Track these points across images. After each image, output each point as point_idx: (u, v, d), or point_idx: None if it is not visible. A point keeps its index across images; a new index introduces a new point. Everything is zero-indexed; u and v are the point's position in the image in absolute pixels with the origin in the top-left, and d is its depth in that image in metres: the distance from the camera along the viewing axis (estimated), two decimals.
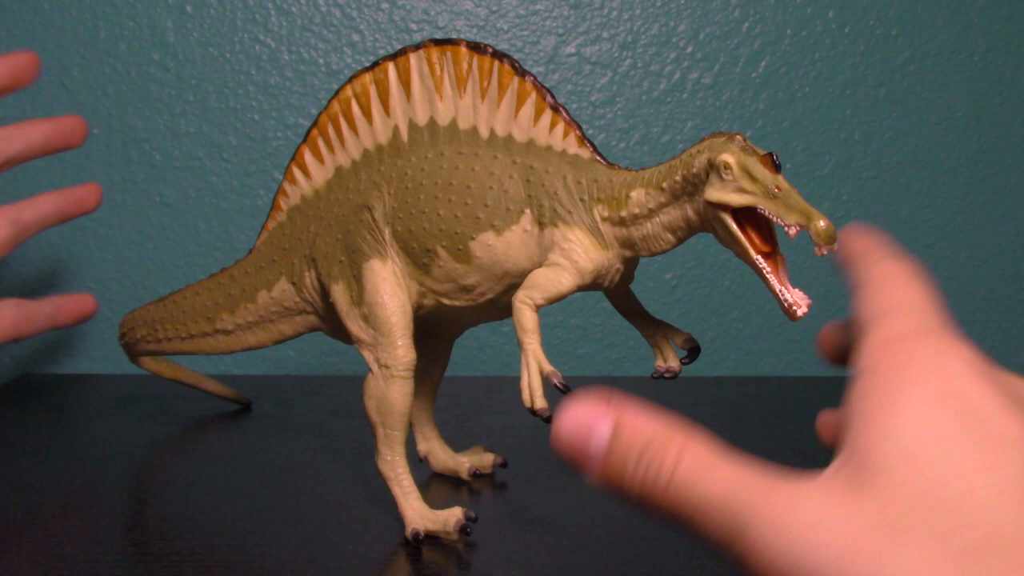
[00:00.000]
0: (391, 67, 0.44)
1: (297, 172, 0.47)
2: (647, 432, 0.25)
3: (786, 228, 0.34)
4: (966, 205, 0.87)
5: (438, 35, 0.80)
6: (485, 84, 0.42)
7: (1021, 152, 0.87)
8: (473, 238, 0.42)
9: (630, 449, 0.24)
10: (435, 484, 0.51)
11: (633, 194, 0.39)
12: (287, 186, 0.48)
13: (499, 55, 0.42)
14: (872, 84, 0.84)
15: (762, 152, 0.35)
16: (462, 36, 0.81)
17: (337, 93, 0.45)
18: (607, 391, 0.26)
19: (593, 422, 0.25)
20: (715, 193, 0.36)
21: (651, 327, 0.44)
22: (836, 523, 0.22)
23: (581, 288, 0.40)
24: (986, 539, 0.21)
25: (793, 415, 0.68)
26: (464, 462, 0.52)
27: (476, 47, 0.42)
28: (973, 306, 0.88)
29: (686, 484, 0.24)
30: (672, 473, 0.24)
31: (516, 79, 0.42)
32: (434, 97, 0.43)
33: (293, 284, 0.48)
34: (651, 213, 0.39)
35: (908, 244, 0.95)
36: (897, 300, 0.28)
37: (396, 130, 0.44)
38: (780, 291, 0.35)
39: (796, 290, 0.35)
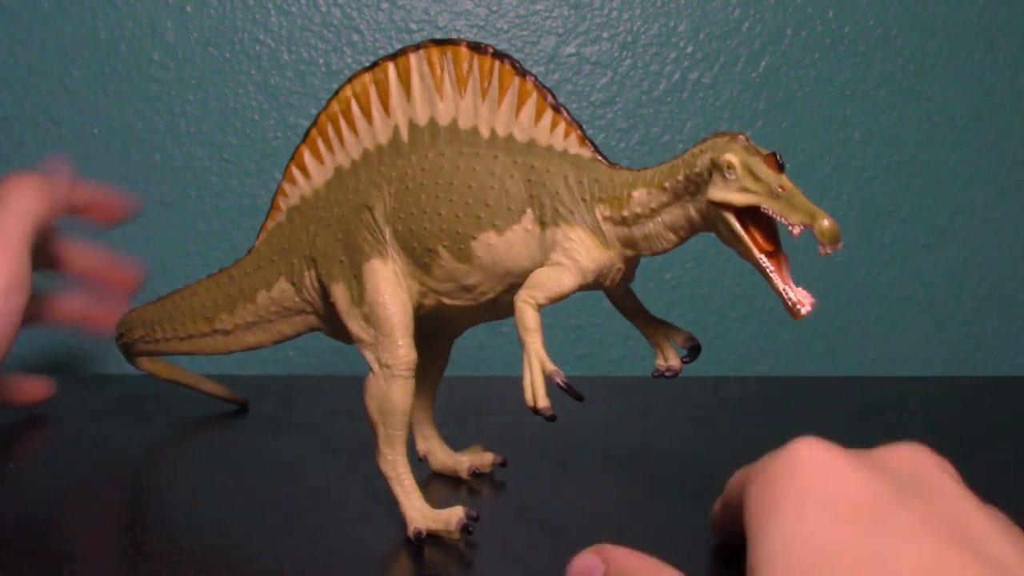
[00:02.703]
0: (391, 67, 0.44)
1: (296, 172, 0.47)
2: (630, 563, 0.33)
3: (790, 227, 0.34)
4: (966, 205, 0.87)
5: (438, 35, 0.80)
6: (486, 84, 0.42)
7: (1021, 152, 0.87)
8: (474, 238, 0.42)
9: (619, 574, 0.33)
10: (434, 483, 0.51)
11: (635, 194, 0.39)
12: (286, 186, 0.48)
13: (500, 55, 0.42)
14: (872, 84, 0.84)
15: (765, 152, 0.35)
16: (462, 36, 0.81)
17: (336, 93, 0.45)
18: (600, 545, 0.35)
19: (592, 562, 0.34)
20: (718, 193, 0.36)
21: (652, 326, 0.44)
22: None
23: (583, 287, 0.40)
24: None
25: (793, 415, 0.68)
26: (463, 461, 0.52)
27: (477, 47, 0.42)
28: (973, 306, 0.88)
29: None
30: None
31: (517, 79, 0.42)
32: (434, 97, 0.43)
33: (292, 284, 0.48)
34: (653, 213, 0.39)
35: (908, 244, 0.96)
36: None
37: (396, 130, 0.44)
38: (784, 290, 0.35)
39: (800, 288, 0.35)
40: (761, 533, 0.30)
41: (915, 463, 0.32)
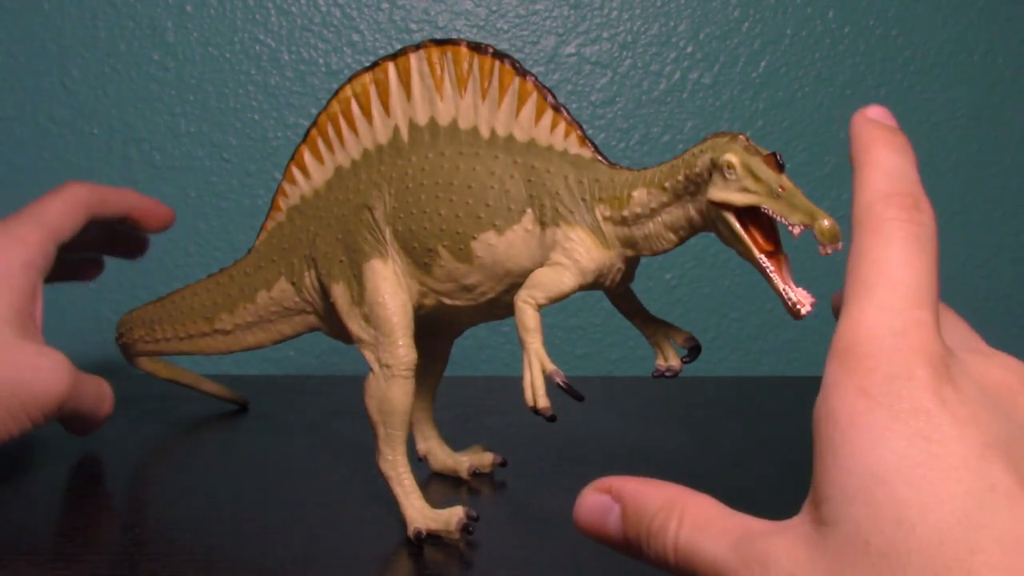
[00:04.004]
0: (391, 67, 0.44)
1: (296, 172, 0.47)
2: (651, 507, 0.28)
3: (790, 227, 0.34)
4: (966, 205, 0.87)
5: (438, 35, 0.80)
6: (486, 84, 0.42)
7: (1021, 152, 0.87)
8: (474, 238, 0.42)
9: (639, 525, 0.28)
10: (434, 483, 0.51)
11: (635, 194, 0.39)
12: (286, 186, 0.48)
13: (500, 55, 0.42)
14: (872, 84, 0.84)
15: (765, 152, 0.35)
16: (462, 36, 0.81)
17: (336, 93, 0.45)
18: (607, 480, 0.29)
19: (603, 502, 0.29)
20: (718, 193, 0.36)
21: (652, 326, 0.44)
22: (804, 573, 0.24)
23: (583, 287, 0.40)
24: None
25: (793, 415, 0.68)
26: (463, 461, 0.52)
27: (477, 47, 0.42)
28: (973, 306, 0.88)
29: (686, 549, 0.27)
30: (676, 540, 0.27)
31: (517, 79, 0.42)
32: (434, 97, 0.43)
33: (292, 284, 0.48)
34: (653, 212, 0.39)
35: None
36: (874, 280, 0.28)
37: (396, 130, 0.44)
38: (784, 290, 0.35)
39: (800, 289, 0.35)
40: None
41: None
